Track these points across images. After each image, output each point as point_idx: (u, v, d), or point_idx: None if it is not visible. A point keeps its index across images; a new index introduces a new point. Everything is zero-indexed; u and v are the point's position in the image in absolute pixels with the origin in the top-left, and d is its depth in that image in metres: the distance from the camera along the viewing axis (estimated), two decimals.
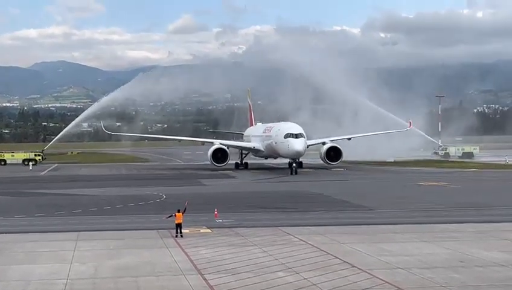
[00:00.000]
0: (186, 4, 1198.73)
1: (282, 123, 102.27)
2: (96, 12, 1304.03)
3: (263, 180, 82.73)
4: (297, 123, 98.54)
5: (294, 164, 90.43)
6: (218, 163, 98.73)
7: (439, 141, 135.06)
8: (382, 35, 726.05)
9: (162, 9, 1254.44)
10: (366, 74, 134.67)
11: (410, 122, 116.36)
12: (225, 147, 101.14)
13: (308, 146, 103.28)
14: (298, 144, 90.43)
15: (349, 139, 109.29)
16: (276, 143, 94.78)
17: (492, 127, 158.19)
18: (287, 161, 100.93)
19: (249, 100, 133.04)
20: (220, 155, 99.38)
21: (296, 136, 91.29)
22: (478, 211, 48.46)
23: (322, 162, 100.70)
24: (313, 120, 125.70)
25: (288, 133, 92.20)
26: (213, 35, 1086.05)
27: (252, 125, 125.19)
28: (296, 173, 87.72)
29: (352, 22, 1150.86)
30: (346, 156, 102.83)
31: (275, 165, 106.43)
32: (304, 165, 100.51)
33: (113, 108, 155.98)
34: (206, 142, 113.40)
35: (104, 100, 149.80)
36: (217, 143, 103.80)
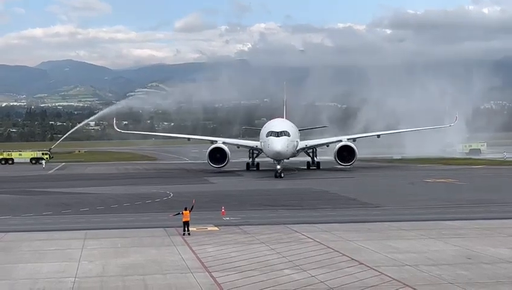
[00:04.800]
0: (190, 2, 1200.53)
1: (273, 120, 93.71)
2: (100, 11, 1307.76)
3: (270, 178, 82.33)
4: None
5: (278, 166, 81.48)
6: (216, 164, 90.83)
7: (447, 137, 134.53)
8: (389, 32, 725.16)
9: (166, 8, 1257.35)
10: (374, 71, 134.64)
11: (456, 117, 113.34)
12: (224, 146, 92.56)
13: (310, 146, 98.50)
14: (278, 144, 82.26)
15: (379, 136, 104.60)
16: (261, 142, 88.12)
17: (500, 124, 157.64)
18: (304, 160, 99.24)
19: (284, 95, 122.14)
20: (218, 155, 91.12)
21: (278, 134, 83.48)
22: (485, 208, 48.33)
23: (339, 162, 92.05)
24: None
25: (269, 131, 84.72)
26: (219, 33, 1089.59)
27: None
28: (281, 177, 78.97)
29: (360, 19, 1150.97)
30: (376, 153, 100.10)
31: (291, 166, 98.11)
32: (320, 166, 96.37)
33: (120, 106, 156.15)
34: (215, 141, 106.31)
35: (121, 104, 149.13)
36: (220, 142, 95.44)
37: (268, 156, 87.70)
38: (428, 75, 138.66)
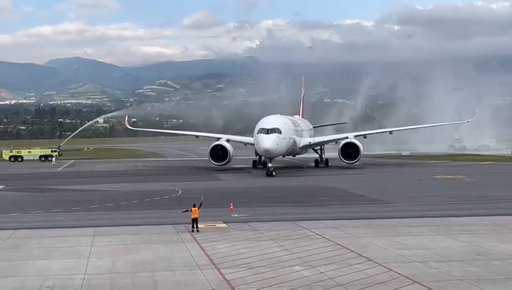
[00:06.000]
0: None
1: (267, 116, 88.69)
2: (108, 8, 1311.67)
3: (278, 174, 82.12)
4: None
5: (270, 164, 79.63)
6: (217, 161, 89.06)
7: (456, 133, 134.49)
8: (397, 28, 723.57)
9: (174, 5, 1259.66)
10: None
11: (475, 112, 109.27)
12: (226, 144, 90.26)
13: (315, 143, 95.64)
14: (267, 142, 79.22)
15: (391, 133, 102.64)
16: (254, 139, 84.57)
17: (510, 119, 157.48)
18: (311, 156, 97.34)
19: (303, 90, 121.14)
20: (221, 153, 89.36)
21: (268, 131, 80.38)
22: (494, 204, 48.17)
23: (342, 159, 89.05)
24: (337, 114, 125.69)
25: (260, 128, 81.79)
26: (227, 30, 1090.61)
27: (303, 117, 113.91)
28: (272, 175, 76.90)
29: (369, 16, 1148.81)
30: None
31: (296, 164, 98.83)
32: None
33: (129, 104, 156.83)
34: (219, 138, 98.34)
35: (134, 109, 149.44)
36: (223, 139, 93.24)
37: (259, 154, 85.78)
38: (437, 71, 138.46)
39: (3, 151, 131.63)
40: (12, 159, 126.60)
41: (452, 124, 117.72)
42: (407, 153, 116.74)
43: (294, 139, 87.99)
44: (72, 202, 53.61)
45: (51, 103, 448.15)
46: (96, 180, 76.81)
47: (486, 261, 28.05)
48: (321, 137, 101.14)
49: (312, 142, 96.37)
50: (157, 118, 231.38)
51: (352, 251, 30.59)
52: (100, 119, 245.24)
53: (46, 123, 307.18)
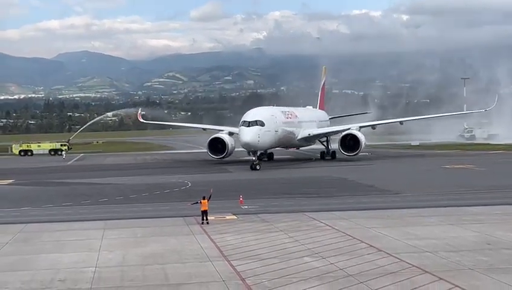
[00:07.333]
0: None
1: (254, 108, 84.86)
2: (115, 2, 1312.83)
3: (286, 166, 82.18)
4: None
5: (254, 157, 77.34)
6: (216, 155, 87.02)
7: (465, 123, 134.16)
8: (405, 17, 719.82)
9: None
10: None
11: (495, 101, 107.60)
12: (225, 137, 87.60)
13: (315, 135, 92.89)
14: (247, 135, 76.55)
15: (401, 123, 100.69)
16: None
17: None
18: (317, 148, 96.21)
19: (323, 79, 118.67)
20: (220, 146, 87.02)
21: (249, 124, 77.55)
22: (504, 193, 47.97)
23: (342, 152, 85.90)
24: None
25: (242, 121, 79.11)
26: (234, 22, 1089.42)
27: (322, 108, 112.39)
28: (256, 169, 74.72)
29: (377, 6, 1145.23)
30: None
31: (304, 156, 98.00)
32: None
33: (137, 97, 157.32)
34: (222, 130, 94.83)
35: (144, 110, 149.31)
36: (225, 131, 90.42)
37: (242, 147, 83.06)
38: (446, 61, 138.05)
39: (13, 145, 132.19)
40: (22, 154, 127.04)
41: (467, 113, 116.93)
42: (417, 143, 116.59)
43: (287, 131, 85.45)
44: (82, 196, 53.79)
45: (59, 96, 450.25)
46: (106, 174, 77.01)
47: (497, 251, 28.00)
48: (321, 129, 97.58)
49: (311, 134, 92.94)
50: (166, 111, 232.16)
51: (362, 242, 30.57)
52: (109, 113, 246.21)
53: (55, 117, 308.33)
